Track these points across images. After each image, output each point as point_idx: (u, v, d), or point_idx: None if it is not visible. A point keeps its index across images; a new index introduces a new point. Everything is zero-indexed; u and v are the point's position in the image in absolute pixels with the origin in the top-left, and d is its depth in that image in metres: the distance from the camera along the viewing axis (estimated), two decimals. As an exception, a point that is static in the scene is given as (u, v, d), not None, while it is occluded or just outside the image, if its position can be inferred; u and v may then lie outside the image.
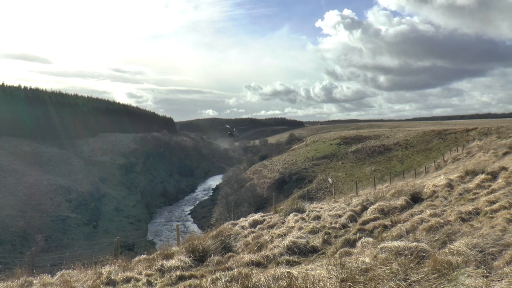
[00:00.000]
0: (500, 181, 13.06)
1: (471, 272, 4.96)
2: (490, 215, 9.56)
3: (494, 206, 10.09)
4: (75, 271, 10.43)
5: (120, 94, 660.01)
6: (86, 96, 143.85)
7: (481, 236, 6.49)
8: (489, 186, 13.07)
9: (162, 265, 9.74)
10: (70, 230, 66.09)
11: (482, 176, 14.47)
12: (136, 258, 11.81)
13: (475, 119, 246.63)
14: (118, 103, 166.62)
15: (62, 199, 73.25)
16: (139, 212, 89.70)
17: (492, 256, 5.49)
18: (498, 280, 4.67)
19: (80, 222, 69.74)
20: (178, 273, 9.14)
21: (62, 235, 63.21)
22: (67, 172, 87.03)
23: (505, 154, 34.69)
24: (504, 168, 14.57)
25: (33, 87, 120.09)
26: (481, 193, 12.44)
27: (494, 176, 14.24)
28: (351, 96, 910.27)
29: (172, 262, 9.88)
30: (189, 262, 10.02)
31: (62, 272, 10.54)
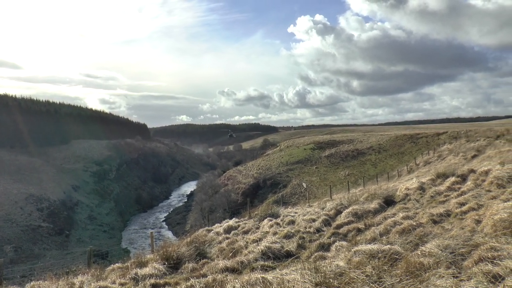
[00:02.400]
0: (469, 183, 13.36)
1: (442, 273, 5.04)
2: (460, 217, 9.77)
3: (464, 208, 10.32)
4: (46, 282, 10.17)
5: (93, 100, 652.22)
6: (57, 102, 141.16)
7: (451, 237, 6.61)
8: (459, 188, 13.36)
9: (136, 274, 9.61)
10: (41, 239, 64.55)
11: (453, 179, 14.77)
12: (110, 267, 11.62)
13: (445, 123, 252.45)
14: (91, 109, 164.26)
15: (33, 208, 71.54)
16: (113, 220, 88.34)
17: (462, 257, 5.60)
18: (467, 280, 4.77)
19: (52, 231, 68.17)
20: (152, 281, 9.02)
21: (33, 245, 61.68)
22: (38, 181, 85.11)
23: (473, 157, 35.53)
24: (472, 171, 14.90)
25: (1, 93, 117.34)
26: (452, 195, 12.70)
27: (463, 178, 14.56)
28: (324, 101, 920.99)
29: (146, 270, 9.75)
30: (164, 269, 9.92)
31: (32, 283, 10.27)
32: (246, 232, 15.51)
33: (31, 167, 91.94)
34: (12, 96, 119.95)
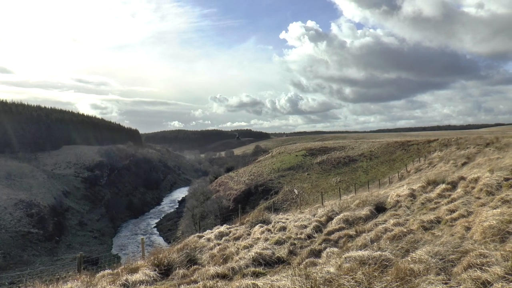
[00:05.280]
0: (459, 190, 13.43)
1: (432, 279, 5.08)
2: (450, 224, 9.82)
3: (454, 215, 10.38)
4: (35, 288, 10.10)
5: (84, 105, 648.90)
6: (49, 107, 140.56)
7: (441, 244, 6.64)
8: (449, 195, 13.42)
9: (126, 280, 9.54)
10: (31, 246, 64.05)
11: (443, 186, 14.83)
12: (100, 274, 11.53)
13: (436, 131, 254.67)
14: (83, 115, 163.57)
15: (22, 214, 70.97)
16: (104, 226, 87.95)
17: (452, 263, 5.64)
18: (457, 286, 4.80)
19: (41, 237, 67.68)
20: (143, 287, 8.98)
21: (22, 251, 61.16)
22: (28, 186, 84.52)
23: (464, 164, 35.80)
24: (463, 178, 14.98)
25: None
26: (442, 202, 12.75)
27: (454, 185, 14.63)
28: (316, 108, 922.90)
29: (137, 277, 9.69)
30: (154, 276, 9.87)
31: (21, 289, 10.19)
32: (237, 239, 15.48)
33: (21, 172, 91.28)
34: (2, 100, 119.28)
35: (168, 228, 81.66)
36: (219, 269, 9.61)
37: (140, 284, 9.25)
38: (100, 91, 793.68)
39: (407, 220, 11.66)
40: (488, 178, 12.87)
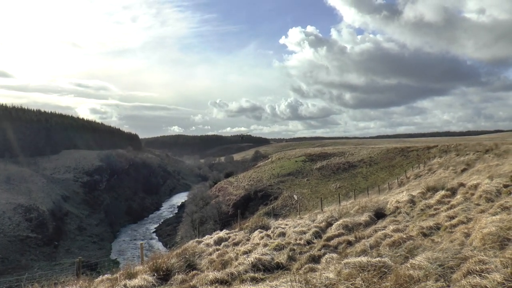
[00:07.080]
0: (458, 196, 13.43)
1: (431, 286, 5.07)
2: (450, 230, 9.80)
3: (453, 221, 10.37)
4: (33, 293, 10.07)
5: (84, 110, 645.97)
6: (49, 111, 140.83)
7: (441, 250, 6.64)
8: (449, 201, 13.41)
9: (125, 285, 9.52)
10: (29, 250, 63.91)
11: (442, 192, 14.83)
12: (99, 278, 11.50)
13: (435, 137, 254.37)
14: (82, 119, 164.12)
15: (21, 219, 70.87)
16: (103, 231, 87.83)
17: (451, 270, 5.63)
18: (456, 293, 4.80)
19: (40, 242, 67.55)
20: (141, 292, 8.96)
21: (20, 256, 61.03)
22: (27, 191, 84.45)
23: (463, 170, 35.77)
24: (462, 184, 14.99)
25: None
26: (441, 209, 12.74)
27: (453, 192, 14.63)
28: (316, 114, 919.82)
29: (136, 282, 9.66)
30: (153, 281, 9.84)
31: (19, 294, 10.15)
32: (236, 244, 15.45)
33: (21, 176, 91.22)
34: (2, 105, 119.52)
35: (167, 233, 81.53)
36: (218, 275, 9.58)
37: (138, 289, 9.22)
38: (100, 96, 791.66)
39: (407, 226, 11.64)
40: (487, 185, 12.88)
